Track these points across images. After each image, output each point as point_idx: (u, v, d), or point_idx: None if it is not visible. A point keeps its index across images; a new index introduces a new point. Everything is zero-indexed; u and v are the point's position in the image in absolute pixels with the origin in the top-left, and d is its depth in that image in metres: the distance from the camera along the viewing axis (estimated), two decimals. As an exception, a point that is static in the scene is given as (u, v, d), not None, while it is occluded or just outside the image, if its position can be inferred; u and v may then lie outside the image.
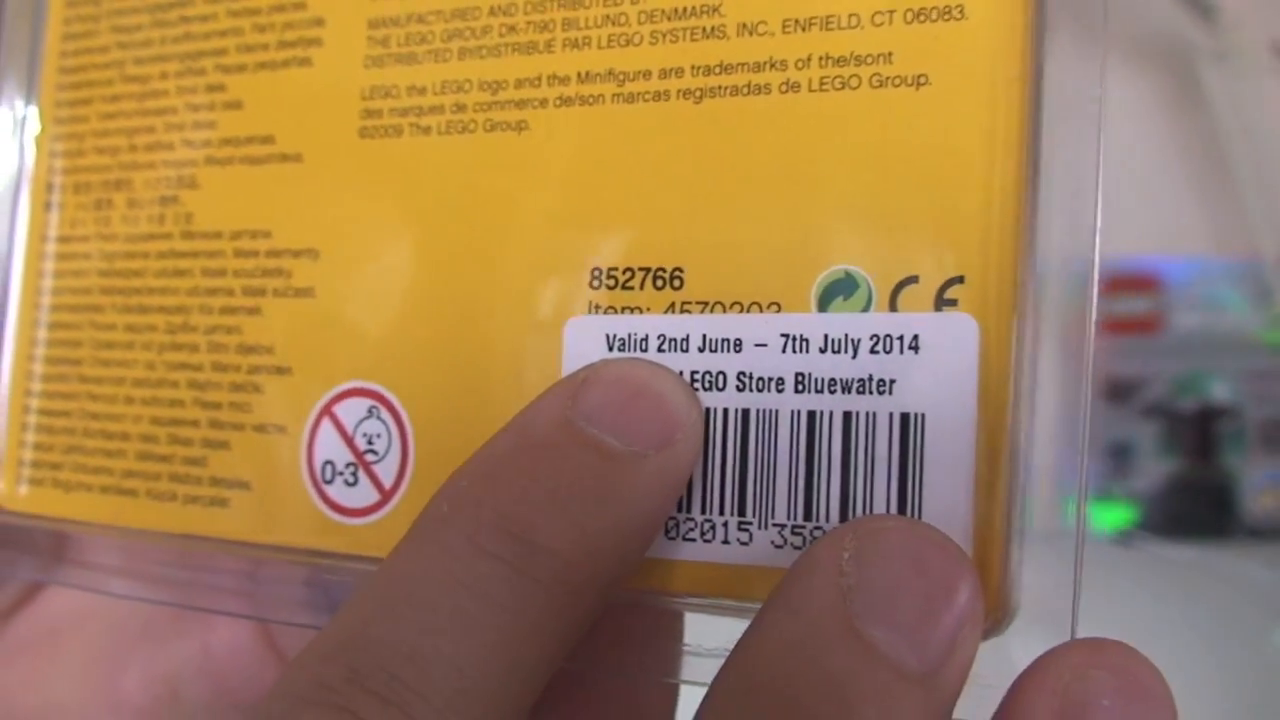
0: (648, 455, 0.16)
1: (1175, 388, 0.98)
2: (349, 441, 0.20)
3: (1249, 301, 0.94)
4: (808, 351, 0.17)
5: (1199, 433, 0.97)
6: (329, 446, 0.20)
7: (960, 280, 0.16)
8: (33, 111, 0.24)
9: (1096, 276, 0.16)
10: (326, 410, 0.20)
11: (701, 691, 0.15)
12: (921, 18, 0.17)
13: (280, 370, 0.21)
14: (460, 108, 0.20)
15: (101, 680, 0.24)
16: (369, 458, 0.20)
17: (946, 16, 0.17)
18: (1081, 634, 0.16)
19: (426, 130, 0.20)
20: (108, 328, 0.23)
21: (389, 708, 0.14)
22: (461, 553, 0.15)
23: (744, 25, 0.18)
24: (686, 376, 0.17)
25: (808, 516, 0.17)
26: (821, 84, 0.17)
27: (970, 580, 0.14)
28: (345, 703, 0.14)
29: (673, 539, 0.17)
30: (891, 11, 0.17)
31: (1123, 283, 0.97)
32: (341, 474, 0.20)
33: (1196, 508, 0.97)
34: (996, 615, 0.16)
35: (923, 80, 0.17)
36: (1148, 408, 0.99)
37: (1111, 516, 0.97)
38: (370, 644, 0.14)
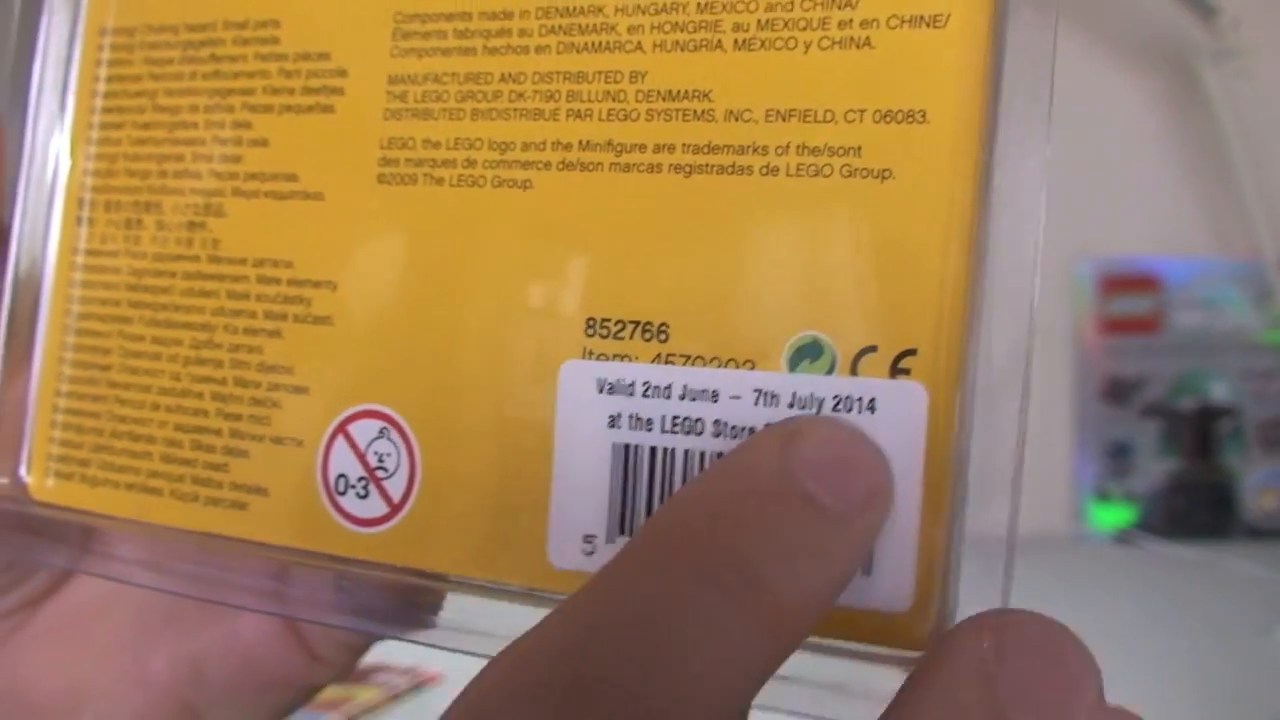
0: (854, 517, 0.17)
1: (1175, 388, 1.01)
2: (361, 458, 0.23)
3: (1249, 301, 0.97)
4: (777, 406, 0.20)
5: (1199, 433, 1.00)
6: (342, 461, 0.24)
7: (913, 352, 0.19)
8: (66, 130, 0.27)
9: (1029, 358, 0.19)
10: (341, 429, 0.24)
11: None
12: (888, 118, 0.20)
13: (298, 389, 0.24)
14: (470, 163, 0.23)
15: (129, 662, 0.27)
16: (379, 474, 0.23)
17: (910, 119, 0.20)
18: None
19: (440, 181, 0.23)
20: (136, 338, 0.26)
21: (612, 717, 0.15)
22: (691, 581, 0.16)
23: (731, 111, 0.21)
24: (668, 422, 0.21)
25: None
26: (798, 169, 0.20)
27: (1098, 674, 0.17)
28: (569, 706, 0.15)
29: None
30: (862, 111, 0.20)
31: (1123, 283, 1.01)
32: (354, 487, 0.23)
33: (1196, 508, 1.00)
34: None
35: (887, 174, 0.20)
36: (1148, 408, 1.02)
37: (1111, 516, 1.00)
38: (596, 653, 0.16)
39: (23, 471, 0.27)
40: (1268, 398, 0.98)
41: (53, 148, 0.27)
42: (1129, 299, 0.99)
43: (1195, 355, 0.99)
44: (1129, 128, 0.96)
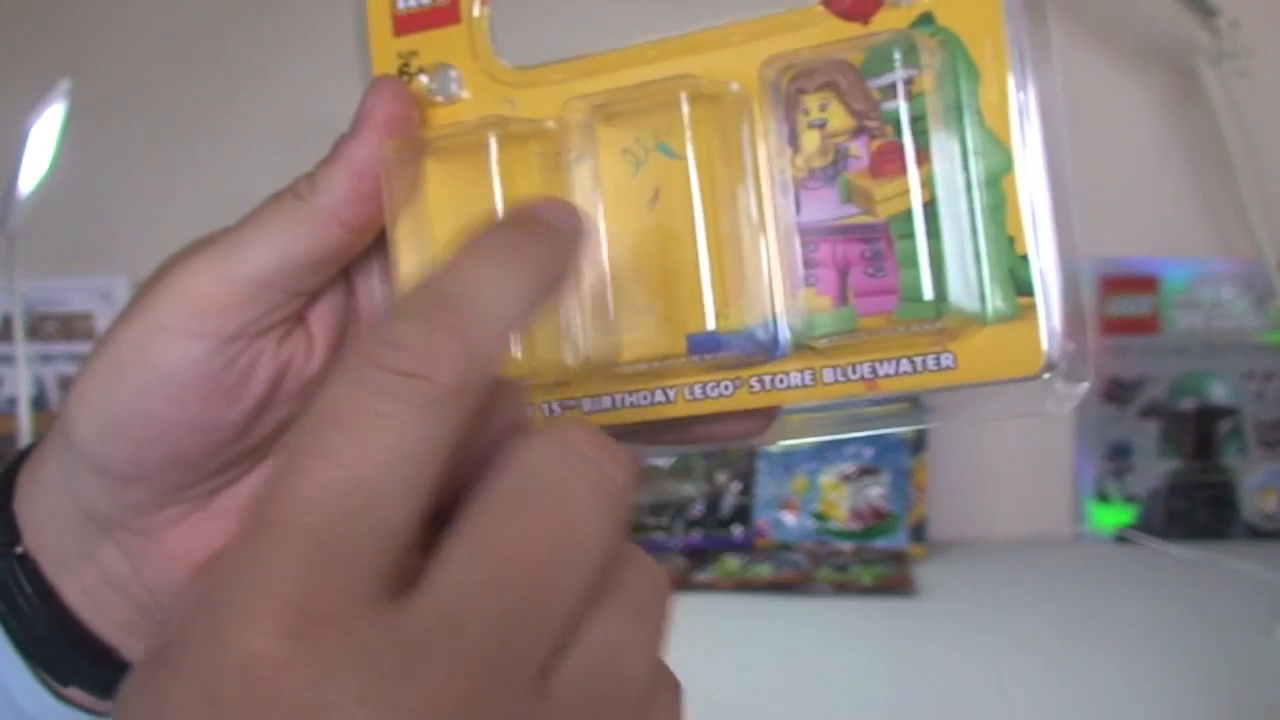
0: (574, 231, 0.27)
1: (1175, 388, 1.02)
2: None
3: (1249, 302, 0.99)
4: None
5: (1199, 433, 1.01)
6: None
7: None
8: None
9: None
10: None
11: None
12: None
13: None
14: None
15: None
16: None
17: None
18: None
19: None
20: None
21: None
22: (488, 247, 0.25)
23: None
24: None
25: None
26: None
27: None
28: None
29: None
30: None
31: (1123, 283, 1.02)
32: None
33: (1196, 508, 1.01)
34: None
35: None
36: (1148, 408, 1.03)
37: (1111, 516, 1.01)
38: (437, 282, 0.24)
39: None
40: (1268, 398, 1.00)
41: None
42: (1129, 299, 1.00)
43: (1195, 355, 1.01)
44: (1129, 128, 0.97)
